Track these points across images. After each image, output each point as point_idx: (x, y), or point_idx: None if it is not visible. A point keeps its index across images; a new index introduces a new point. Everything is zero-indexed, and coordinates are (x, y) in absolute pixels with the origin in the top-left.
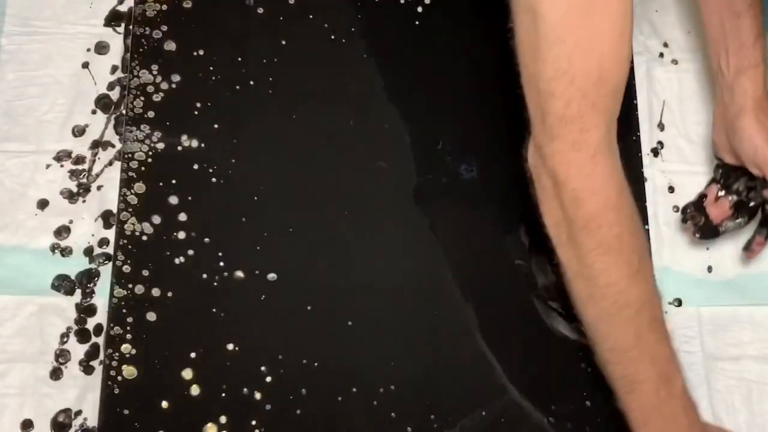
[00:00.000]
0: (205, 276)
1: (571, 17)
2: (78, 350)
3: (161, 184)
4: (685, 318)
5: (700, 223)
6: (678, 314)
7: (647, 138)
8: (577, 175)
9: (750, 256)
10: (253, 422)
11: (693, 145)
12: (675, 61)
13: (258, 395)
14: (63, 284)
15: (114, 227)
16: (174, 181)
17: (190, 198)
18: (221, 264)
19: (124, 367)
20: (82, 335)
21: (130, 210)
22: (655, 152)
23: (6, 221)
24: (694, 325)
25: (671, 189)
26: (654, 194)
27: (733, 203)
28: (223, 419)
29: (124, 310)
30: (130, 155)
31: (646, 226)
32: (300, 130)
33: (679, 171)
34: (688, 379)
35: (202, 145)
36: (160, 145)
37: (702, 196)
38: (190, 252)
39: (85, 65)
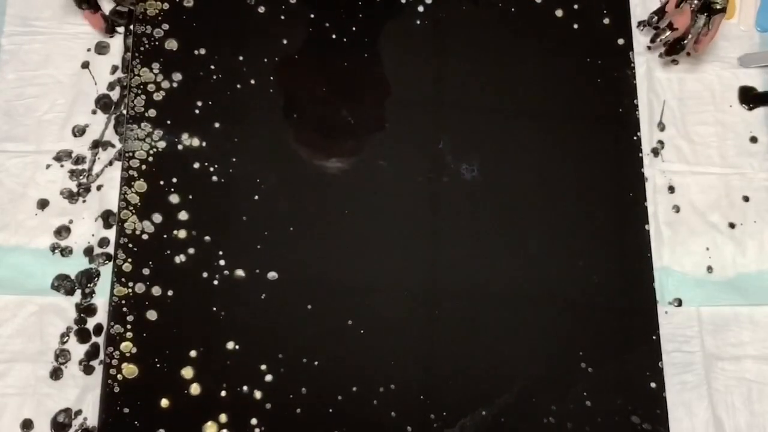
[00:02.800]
0: (205, 275)
1: None
2: (78, 350)
3: (162, 182)
4: (685, 318)
5: (666, 38)
6: (678, 314)
7: (647, 138)
8: None
9: (698, 48)
10: (253, 421)
11: (693, 145)
12: (675, 61)
13: (258, 394)
14: (63, 284)
15: (114, 227)
16: (175, 180)
17: (190, 197)
18: (221, 263)
19: (124, 365)
20: (82, 335)
21: (131, 208)
22: (655, 152)
23: (6, 221)
24: (694, 325)
25: (671, 189)
26: (654, 194)
27: (694, 7)
28: (223, 418)
29: (125, 309)
30: (130, 154)
31: (646, 226)
32: (300, 130)
33: (679, 171)
34: (689, 380)
35: (203, 143)
36: (161, 144)
37: (663, 4)
38: (191, 251)
39: (85, 65)
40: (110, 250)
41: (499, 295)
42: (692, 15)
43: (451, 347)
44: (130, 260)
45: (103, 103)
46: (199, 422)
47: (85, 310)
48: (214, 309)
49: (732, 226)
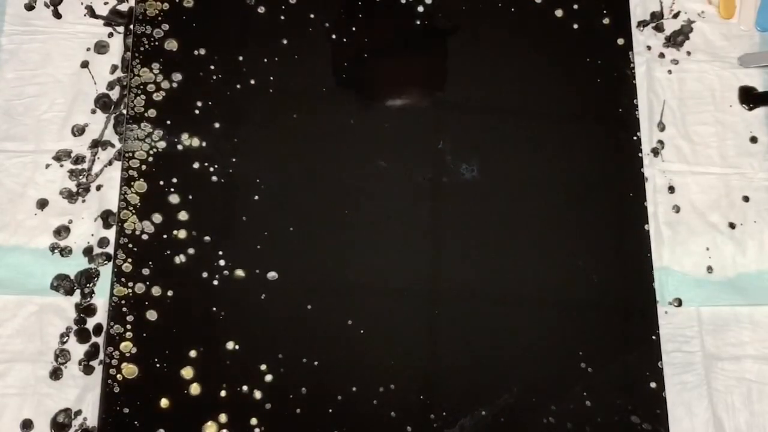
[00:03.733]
0: (205, 275)
1: None
2: (78, 350)
3: (162, 182)
4: (685, 318)
5: None
6: (678, 314)
7: (647, 138)
8: None
9: None
10: (253, 421)
11: (693, 145)
12: (675, 61)
13: (258, 394)
14: (62, 284)
15: (114, 227)
16: (174, 180)
17: (190, 197)
18: (221, 263)
19: (123, 365)
20: (82, 335)
21: (131, 208)
22: (655, 152)
23: (5, 221)
24: (694, 325)
25: (671, 189)
26: (654, 194)
27: None
28: (222, 418)
29: (125, 309)
30: (130, 154)
31: (646, 226)
32: (300, 130)
33: (679, 171)
34: (689, 380)
35: (203, 144)
36: (161, 144)
37: None
38: (191, 251)
39: (85, 65)
40: (110, 250)
41: (498, 295)
42: None
43: (451, 347)
44: (130, 260)
45: (102, 103)
46: (199, 422)
47: (85, 310)
48: (214, 309)
49: (732, 226)
